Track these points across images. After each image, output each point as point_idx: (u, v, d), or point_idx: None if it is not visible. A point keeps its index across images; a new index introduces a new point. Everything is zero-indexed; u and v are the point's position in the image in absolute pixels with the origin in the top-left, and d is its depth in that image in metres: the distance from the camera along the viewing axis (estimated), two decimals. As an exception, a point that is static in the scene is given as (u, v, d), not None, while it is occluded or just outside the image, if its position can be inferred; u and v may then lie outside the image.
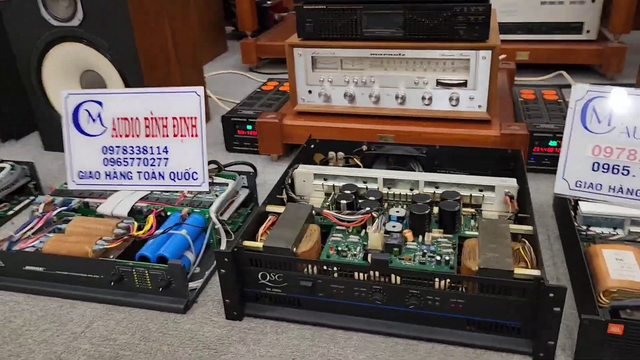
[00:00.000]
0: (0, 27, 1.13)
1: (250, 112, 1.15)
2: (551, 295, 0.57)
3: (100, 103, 0.89)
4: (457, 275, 0.64)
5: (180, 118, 0.87)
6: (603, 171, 0.77)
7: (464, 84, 0.98)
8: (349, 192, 0.79)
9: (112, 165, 0.90)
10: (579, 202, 0.78)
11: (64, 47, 1.10)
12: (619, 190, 0.76)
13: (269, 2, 2.04)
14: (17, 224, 0.94)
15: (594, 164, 0.78)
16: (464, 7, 0.92)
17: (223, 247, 0.82)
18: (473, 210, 0.79)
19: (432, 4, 0.93)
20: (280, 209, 0.76)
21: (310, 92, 1.07)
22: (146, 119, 0.88)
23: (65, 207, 0.86)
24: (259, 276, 0.68)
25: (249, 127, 1.14)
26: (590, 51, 1.48)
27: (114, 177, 0.90)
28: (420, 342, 0.65)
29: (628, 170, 0.76)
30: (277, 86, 1.32)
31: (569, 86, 1.41)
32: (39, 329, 0.70)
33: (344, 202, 0.77)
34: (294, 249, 0.67)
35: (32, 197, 1.01)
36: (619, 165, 0.76)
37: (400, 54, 0.99)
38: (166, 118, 0.87)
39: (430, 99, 1.00)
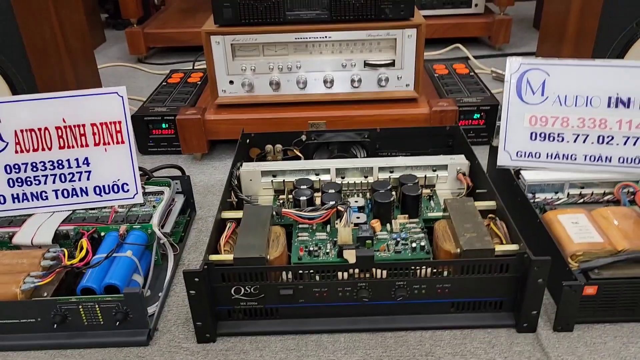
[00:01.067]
0: None
1: (164, 109, 1.05)
2: (536, 268, 0.59)
3: (-4, 114, 0.75)
4: (445, 261, 0.63)
5: (101, 124, 0.76)
6: (540, 140, 0.81)
7: (391, 64, 0.98)
8: (304, 187, 0.75)
9: (19, 185, 0.76)
10: (521, 172, 0.81)
11: None
12: (556, 157, 0.81)
13: (148, -14, 1.88)
14: None
15: (531, 134, 0.81)
16: (388, -14, 0.91)
17: (170, 263, 0.74)
18: (429, 190, 0.79)
19: (357, -16, 0.91)
20: (236, 214, 0.70)
21: (231, 82, 1.00)
22: (58, 128, 0.75)
23: (-32, 243, 0.72)
24: (233, 291, 0.62)
25: (164, 125, 1.04)
26: (479, 24, 1.56)
27: (24, 199, 0.77)
28: (409, 332, 0.64)
29: (562, 137, 0.80)
30: (183, 78, 1.22)
31: (467, 58, 1.48)
32: (-32, 395, 0.58)
33: (303, 198, 0.73)
34: (268, 257, 0.62)
35: None
36: (554, 133, 0.81)
37: (326, 37, 0.96)
38: (83, 125, 0.76)
39: (359, 80, 0.99)
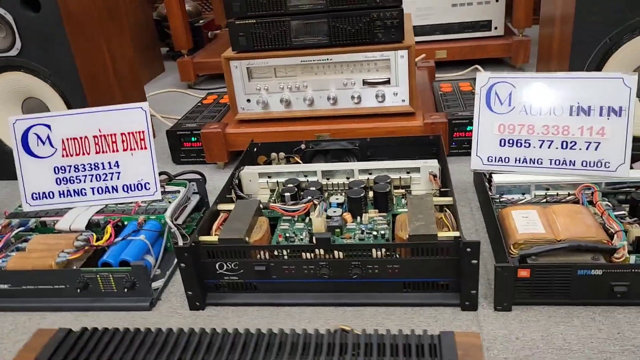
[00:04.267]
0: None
1: (194, 125, 1.21)
2: (468, 250, 0.67)
3: (48, 126, 0.93)
4: (390, 243, 0.73)
5: (129, 133, 0.92)
6: (509, 146, 0.89)
7: (387, 82, 1.09)
8: (291, 185, 0.88)
9: (64, 184, 0.94)
10: (492, 175, 0.89)
11: (3, 77, 1.13)
12: (523, 161, 0.89)
13: (201, 21, 2.11)
14: (-27, 251, 0.97)
15: (500, 140, 0.89)
16: (380, 13, 1.03)
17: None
18: (403, 190, 0.89)
19: (352, 12, 1.04)
20: (230, 207, 0.84)
21: (248, 100, 1.15)
22: (95, 136, 0.93)
23: (22, 228, 0.90)
24: (217, 266, 0.75)
25: (194, 139, 1.20)
26: (499, 45, 1.64)
27: (68, 195, 0.94)
28: (365, 307, 0.74)
29: (529, 143, 0.88)
30: (216, 99, 1.39)
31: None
32: (11, 340, 0.74)
33: (287, 194, 0.85)
34: (247, 239, 0.75)
35: (-15, 225, 1.03)
36: (521, 139, 0.88)
37: (328, 59, 1.09)
38: (115, 134, 0.93)
39: (359, 97, 1.11)
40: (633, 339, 0.64)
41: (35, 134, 0.94)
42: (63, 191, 0.94)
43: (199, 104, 1.37)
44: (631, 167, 0.84)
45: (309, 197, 0.83)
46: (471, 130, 1.12)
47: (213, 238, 0.75)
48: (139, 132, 0.92)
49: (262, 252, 0.74)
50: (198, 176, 1.03)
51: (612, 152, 0.84)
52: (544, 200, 0.85)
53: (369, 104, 1.12)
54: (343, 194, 0.89)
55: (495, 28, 1.65)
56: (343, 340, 0.50)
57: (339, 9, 1.04)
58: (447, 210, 0.77)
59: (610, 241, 0.71)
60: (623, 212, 0.77)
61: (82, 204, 0.94)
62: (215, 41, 2.06)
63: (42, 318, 0.78)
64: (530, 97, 0.87)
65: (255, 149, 1.02)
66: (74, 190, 0.94)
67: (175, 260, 0.86)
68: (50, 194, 0.94)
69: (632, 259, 0.69)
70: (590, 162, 0.85)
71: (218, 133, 1.15)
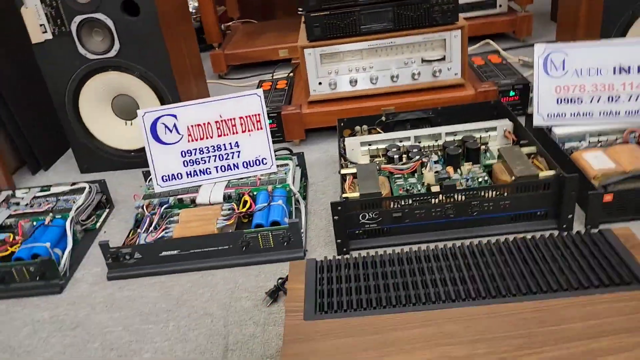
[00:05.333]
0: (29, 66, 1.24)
1: (268, 109, 1.36)
2: (568, 183, 0.87)
3: (174, 115, 1.06)
4: (504, 184, 0.91)
5: (247, 117, 1.07)
6: (565, 103, 1.09)
7: (443, 59, 1.27)
8: (394, 149, 1.05)
9: (191, 165, 1.08)
10: (552, 128, 1.09)
11: (100, 77, 1.24)
12: (577, 115, 1.09)
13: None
14: (109, 233, 1.09)
15: (557, 99, 1.09)
16: (437, 0, 1.20)
17: (302, 208, 1.03)
18: (483, 147, 1.07)
19: (414, 0, 1.20)
20: (350, 170, 1.00)
21: (320, 83, 1.30)
22: (216, 122, 1.07)
23: (166, 205, 1.03)
24: (360, 217, 0.91)
25: (270, 121, 1.35)
26: (504, 21, 1.84)
27: (195, 175, 1.08)
28: (479, 238, 0.92)
29: (581, 100, 1.08)
30: (272, 85, 1.54)
31: (497, 51, 1.75)
32: (196, 293, 0.89)
33: (396, 156, 1.02)
34: (382, 192, 0.91)
35: (107, 209, 1.16)
36: (574, 97, 1.08)
37: (391, 42, 1.25)
38: (234, 119, 1.07)
39: (418, 74, 1.28)
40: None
41: (163, 123, 1.06)
42: (190, 172, 1.08)
43: (259, 90, 1.51)
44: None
45: (417, 157, 1.00)
46: (513, 96, 1.32)
47: (355, 194, 0.92)
48: (256, 115, 1.07)
49: (398, 202, 0.91)
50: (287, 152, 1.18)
51: (649, 102, 1.05)
52: (599, 144, 1.06)
53: (426, 79, 1.29)
54: (439, 153, 1.07)
55: (500, 6, 1.85)
56: (511, 244, 0.67)
57: (403, -3, 1.21)
58: (536, 155, 0.96)
59: (666, 168, 0.92)
60: (667, 147, 0.98)
61: (208, 182, 1.08)
62: (234, 33, 2.17)
63: (212, 275, 0.93)
64: (580, 62, 1.07)
65: (342, 124, 1.18)
66: (200, 170, 1.08)
67: (303, 215, 1.02)
68: (179, 175, 1.08)
69: (688, 178, 0.90)
70: (632, 111, 1.06)
71: (297, 113, 1.30)
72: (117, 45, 1.19)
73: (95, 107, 1.28)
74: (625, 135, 1.05)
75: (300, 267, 0.67)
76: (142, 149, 1.30)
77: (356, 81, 1.30)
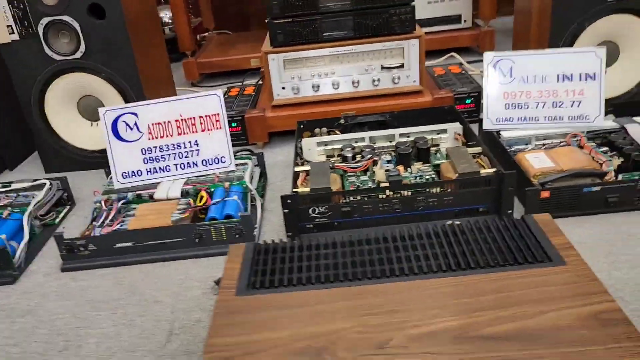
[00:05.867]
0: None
1: (232, 112, 1.39)
2: (506, 179, 0.91)
3: (135, 114, 1.09)
4: (446, 180, 0.95)
5: (206, 116, 1.10)
6: (512, 109, 1.14)
7: (401, 66, 1.32)
8: (349, 149, 1.09)
9: (151, 162, 1.10)
10: (501, 132, 1.14)
11: (65, 78, 1.27)
12: (524, 119, 1.14)
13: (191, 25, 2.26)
14: (68, 228, 1.11)
15: (505, 104, 1.14)
16: (396, 10, 1.25)
17: (258, 205, 1.06)
18: (435, 148, 1.12)
19: (373, 10, 1.26)
20: (304, 168, 1.04)
21: (283, 88, 1.34)
22: (177, 121, 1.10)
23: (124, 200, 1.06)
24: (310, 211, 0.95)
25: (234, 124, 1.38)
26: (468, 36, 1.91)
27: (154, 172, 1.11)
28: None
29: (528, 105, 1.13)
30: (239, 91, 1.57)
31: (461, 63, 1.81)
32: (147, 283, 0.91)
33: (349, 154, 1.06)
34: (332, 188, 0.95)
35: (67, 206, 1.17)
36: (521, 103, 1.13)
37: (352, 50, 1.30)
38: (194, 118, 1.10)
39: (379, 80, 1.33)
40: (627, 230, 0.90)
41: (124, 121, 1.09)
42: (150, 169, 1.10)
43: (227, 96, 1.55)
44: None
45: (369, 155, 1.04)
46: (470, 103, 1.37)
47: (305, 189, 0.95)
48: (215, 115, 1.10)
49: (347, 197, 0.94)
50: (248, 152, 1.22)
51: (590, 108, 1.11)
52: (543, 147, 1.11)
53: (386, 86, 1.34)
54: (392, 153, 1.11)
55: (465, 21, 1.92)
56: (439, 229, 0.71)
57: (362, 7, 1.26)
58: (481, 155, 1.01)
59: (601, 168, 0.97)
60: (605, 149, 1.04)
61: (167, 179, 1.10)
62: (208, 43, 2.22)
63: (163, 267, 0.95)
64: (527, 70, 1.13)
65: (302, 126, 1.22)
66: (160, 168, 1.11)
67: (259, 212, 1.05)
68: (139, 172, 1.10)
69: (620, 176, 0.95)
70: (574, 116, 1.12)
71: (260, 117, 1.34)
72: (82, 47, 1.22)
73: (61, 107, 1.31)
74: (567, 139, 1.10)
75: (239, 249, 0.70)
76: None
77: (318, 86, 1.34)
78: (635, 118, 1.13)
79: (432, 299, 0.57)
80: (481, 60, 1.81)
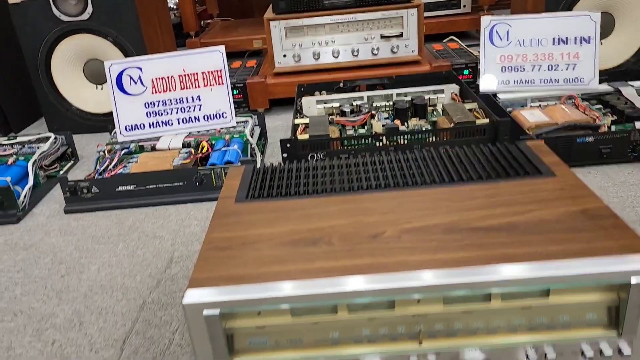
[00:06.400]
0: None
1: (234, 81, 1.42)
2: (501, 128, 0.93)
3: (140, 68, 1.12)
4: (443, 128, 0.98)
5: (209, 72, 1.12)
6: (508, 71, 1.16)
7: (400, 36, 1.35)
8: (348, 105, 1.11)
9: (154, 116, 1.13)
10: (497, 95, 1.16)
11: (72, 40, 1.29)
12: (520, 82, 1.16)
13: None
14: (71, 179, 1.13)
15: (502, 67, 1.17)
16: (395, -22, 1.29)
17: (258, 159, 1.09)
18: (432, 107, 1.14)
19: (373, -23, 1.29)
20: (304, 120, 1.06)
21: (285, 56, 1.37)
22: (180, 76, 1.12)
23: (126, 150, 1.08)
24: (309, 157, 0.97)
25: (235, 92, 1.41)
26: (468, 20, 1.94)
27: (157, 125, 1.13)
28: (424, 182, 0.98)
29: (524, 68, 1.16)
30: (241, 64, 1.60)
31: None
32: (148, 222, 0.92)
33: (347, 109, 1.08)
34: (330, 135, 0.97)
35: (71, 162, 1.19)
36: (517, 66, 1.16)
37: (352, 18, 1.33)
38: (197, 73, 1.12)
39: (378, 49, 1.35)
40: (617, 180, 0.91)
41: (129, 75, 1.12)
42: (152, 122, 1.13)
43: (229, 68, 1.57)
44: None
45: (367, 109, 1.06)
46: (467, 74, 1.40)
47: (305, 136, 0.97)
48: (217, 71, 1.12)
49: (344, 142, 0.96)
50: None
51: (585, 71, 1.13)
52: (539, 107, 1.13)
53: (385, 55, 1.37)
54: (389, 112, 1.13)
55: (464, 6, 1.95)
56: (434, 153, 0.73)
57: (363, -25, 1.29)
58: (476, 108, 1.03)
59: (595, 122, 0.99)
60: (599, 107, 1.06)
61: (169, 133, 1.13)
62: (211, 28, 2.25)
63: (165, 209, 0.97)
64: (523, 33, 1.15)
65: (302, 89, 1.24)
66: (162, 122, 1.13)
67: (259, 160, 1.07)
68: (141, 125, 1.13)
69: (613, 128, 0.97)
70: (569, 79, 1.14)
71: (262, 83, 1.36)
72: (90, 9, 1.25)
73: (68, 70, 1.33)
74: (562, 101, 1.12)
75: (238, 170, 0.72)
76: (111, 113, 1.35)
77: (319, 54, 1.36)
78: (629, 82, 1.16)
79: (424, 203, 0.59)
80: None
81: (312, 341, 0.51)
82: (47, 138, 1.15)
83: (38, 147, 1.12)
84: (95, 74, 1.35)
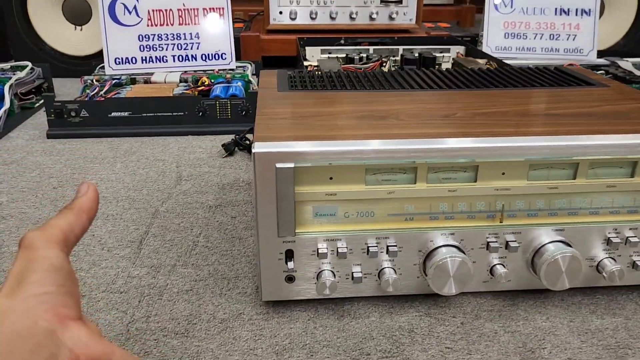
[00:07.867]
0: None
1: (225, 35, 1.36)
2: (518, 76, 0.92)
3: (136, -3, 1.04)
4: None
5: (210, 8, 1.06)
6: (511, 38, 1.17)
7: (400, 2, 1.33)
8: (356, 53, 1.07)
9: (148, 51, 1.05)
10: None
11: (54, -29, 1.20)
12: (522, 49, 1.17)
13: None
14: (49, 112, 1.03)
15: (505, 34, 1.17)
16: (400, -59, 1.27)
17: (260, 105, 1.03)
18: (437, 66, 1.12)
19: (379, -62, 1.27)
20: (312, 62, 1.01)
21: (280, 12, 1.32)
22: (179, 9, 1.05)
23: (117, 80, 0.99)
24: (321, 96, 0.92)
25: (226, 47, 1.34)
26: (451, 11, 1.97)
27: (150, 61, 1.05)
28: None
29: (526, 36, 1.16)
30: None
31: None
32: (146, 148, 0.84)
33: (357, 57, 1.05)
34: (343, 75, 0.93)
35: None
36: (520, 33, 1.17)
37: (353, -22, 1.31)
38: (197, 9, 1.06)
39: (376, 13, 1.33)
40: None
41: (123, 3, 1.03)
42: (146, 57, 1.05)
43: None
44: (597, 53, 1.16)
45: (377, 57, 1.03)
46: (461, 48, 1.40)
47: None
48: (219, 9, 1.06)
49: (358, 84, 0.92)
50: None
51: (585, 41, 1.15)
52: (541, 74, 1.13)
53: (383, 21, 1.35)
54: (397, 66, 1.10)
55: (449, -4, 1.98)
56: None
57: None
58: (489, 61, 1.02)
59: (601, 83, 1.00)
60: (601, 72, 1.08)
61: (163, 70, 1.05)
62: None
63: (164, 139, 0.89)
64: (527, 1, 1.16)
65: (301, 42, 1.20)
66: (156, 57, 1.05)
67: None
68: (133, 59, 1.04)
69: (620, 87, 0.99)
70: (569, 49, 1.16)
71: (255, 37, 1.31)
72: (79, -63, 1.16)
73: (45, 7, 1.23)
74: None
75: (271, 72, 0.66)
76: (90, 56, 1.26)
77: (316, 14, 1.33)
78: (625, 58, 1.19)
79: (453, 101, 0.55)
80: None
81: (384, 215, 0.46)
82: (25, 67, 1.05)
83: (14, 74, 1.01)
84: (75, 12, 1.25)
